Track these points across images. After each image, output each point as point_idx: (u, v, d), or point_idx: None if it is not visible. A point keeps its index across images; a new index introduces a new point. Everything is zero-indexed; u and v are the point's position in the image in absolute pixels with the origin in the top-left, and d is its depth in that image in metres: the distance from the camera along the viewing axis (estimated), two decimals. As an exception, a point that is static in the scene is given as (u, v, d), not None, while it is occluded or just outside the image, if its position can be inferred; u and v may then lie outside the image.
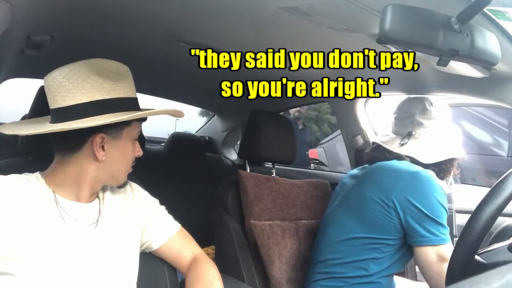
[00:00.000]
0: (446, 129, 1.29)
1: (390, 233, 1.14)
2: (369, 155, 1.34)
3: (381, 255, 1.17)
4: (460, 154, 1.27)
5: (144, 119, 0.94)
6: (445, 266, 1.03)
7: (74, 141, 0.85)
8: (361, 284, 1.18)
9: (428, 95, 1.37)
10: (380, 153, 1.28)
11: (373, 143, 1.37)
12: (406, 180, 1.13)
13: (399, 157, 1.24)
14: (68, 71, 0.84)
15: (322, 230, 1.35)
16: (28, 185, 0.84)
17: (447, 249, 1.10)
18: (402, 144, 1.25)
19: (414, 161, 1.23)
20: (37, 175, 0.87)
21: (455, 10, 0.77)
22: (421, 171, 1.15)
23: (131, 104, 0.89)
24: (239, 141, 2.72)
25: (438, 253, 1.09)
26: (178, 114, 0.97)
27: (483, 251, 0.83)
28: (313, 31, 1.16)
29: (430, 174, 1.15)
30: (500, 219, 0.82)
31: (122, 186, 0.96)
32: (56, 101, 0.84)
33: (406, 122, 1.28)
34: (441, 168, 1.24)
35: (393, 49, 1.18)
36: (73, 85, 0.82)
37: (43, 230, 0.81)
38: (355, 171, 1.42)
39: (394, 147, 1.26)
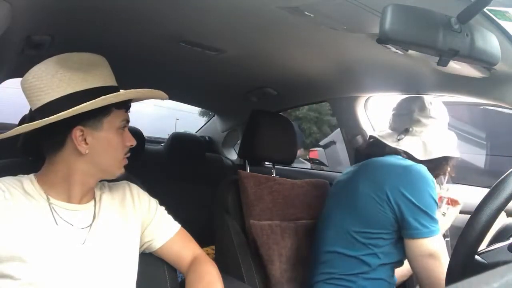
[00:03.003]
0: (442, 129, 1.31)
1: (385, 227, 1.15)
2: (366, 150, 1.35)
3: (379, 250, 1.18)
4: (454, 153, 1.28)
5: (127, 106, 0.91)
6: (433, 261, 1.09)
7: (56, 139, 0.84)
8: (365, 280, 1.19)
9: (428, 95, 1.37)
10: (377, 147, 1.30)
11: (370, 137, 1.38)
12: (398, 173, 1.15)
13: (395, 152, 1.25)
14: (37, 69, 0.84)
15: (320, 230, 1.35)
16: (22, 187, 0.83)
17: (435, 240, 1.12)
18: (399, 139, 1.27)
19: (409, 156, 1.24)
20: (30, 177, 0.87)
21: (455, 10, 0.77)
22: (414, 165, 1.17)
23: (109, 92, 0.85)
24: (239, 141, 2.72)
25: (427, 246, 1.11)
26: (158, 96, 0.94)
27: (483, 251, 0.83)
28: (313, 31, 1.16)
29: (422, 167, 1.16)
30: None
31: (121, 178, 0.94)
32: (32, 102, 0.84)
33: (405, 118, 1.30)
34: (435, 166, 1.25)
35: (393, 49, 1.18)
36: (43, 83, 0.82)
37: (36, 232, 0.80)
38: (348, 168, 1.42)
39: (391, 142, 1.27)
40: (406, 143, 1.26)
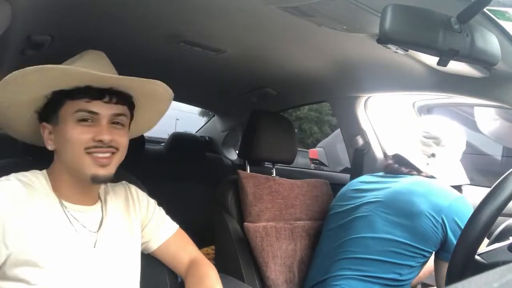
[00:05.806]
0: (459, 154, 1.35)
1: (430, 246, 1.18)
2: (394, 167, 1.36)
3: (416, 265, 1.20)
4: (467, 180, 1.35)
5: (91, 96, 0.81)
6: None
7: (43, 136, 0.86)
8: (392, 287, 1.21)
9: (428, 94, 1.37)
10: (407, 167, 1.32)
11: (396, 155, 1.38)
12: (454, 201, 1.18)
13: (428, 176, 1.29)
14: None
15: (347, 227, 1.32)
16: (38, 183, 0.82)
17: None
18: (428, 164, 1.31)
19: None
20: (44, 173, 0.86)
21: (455, 10, 0.77)
22: (464, 196, 1.21)
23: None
24: (239, 141, 2.72)
25: None
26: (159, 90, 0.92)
27: (483, 251, 0.83)
28: (313, 31, 1.16)
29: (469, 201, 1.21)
30: (500, 219, 0.82)
31: (98, 181, 0.83)
32: None
33: (431, 142, 1.31)
34: (457, 190, 1.29)
35: (393, 49, 1.18)
36: None
37: (53, 236, 0.79)
38: (373, 177, 1.40)
39: (421, 165, 1.31)
40: (434, 168, 1.30)
